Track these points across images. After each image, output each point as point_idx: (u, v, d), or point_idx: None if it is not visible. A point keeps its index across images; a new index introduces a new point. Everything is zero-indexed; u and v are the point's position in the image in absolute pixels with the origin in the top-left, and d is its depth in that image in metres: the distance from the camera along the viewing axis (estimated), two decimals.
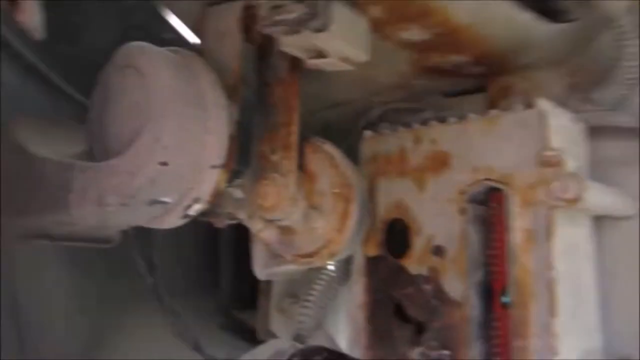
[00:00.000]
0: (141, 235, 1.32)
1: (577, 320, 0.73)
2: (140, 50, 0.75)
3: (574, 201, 0.68)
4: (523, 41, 0.85)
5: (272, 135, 0.91)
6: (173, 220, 0.81)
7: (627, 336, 0.78)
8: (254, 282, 1.66)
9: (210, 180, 0.79)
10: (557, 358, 0.69)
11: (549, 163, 0.71)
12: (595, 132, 0.82)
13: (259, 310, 1.49)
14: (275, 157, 0.90)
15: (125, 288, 1.33)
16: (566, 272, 0.72)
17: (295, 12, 0.72)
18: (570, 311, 0.72)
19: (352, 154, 1.00)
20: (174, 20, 1.24)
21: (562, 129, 0.75)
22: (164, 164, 0.71)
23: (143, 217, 0.80)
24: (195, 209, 0.81)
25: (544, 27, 0.80)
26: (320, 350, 0.95)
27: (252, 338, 1.49)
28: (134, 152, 0.71)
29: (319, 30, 0.72)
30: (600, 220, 0.80)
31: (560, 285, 0.71)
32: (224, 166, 0.80)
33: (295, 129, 0.90)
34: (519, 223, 0.74)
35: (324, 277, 1.14)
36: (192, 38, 1.01)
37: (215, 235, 1.71)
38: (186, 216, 0.81)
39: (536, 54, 0.88)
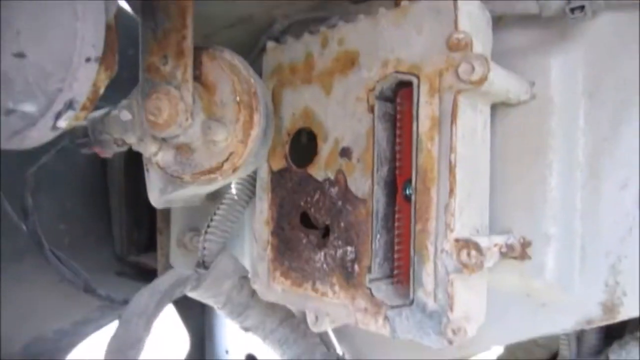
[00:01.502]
0: (9, 179, 1.20)
1: (471, 200, 0.75)
2: None
3: (480, 82, 0.69)
4: None
5: (163, 43, 0.82)
6: (40, 134, 0.67)
7: (510, 213, 0.82)
8: (150, 224, 1.60)
9: (86, 76, 0.65)
10: (453, 235, 0.70)
11: (458, 46, 0.71)
12: (499, 21, 0.83)
13: (159, 250, 1.43)
14: (167, 68, 0.81)
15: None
16: (465, 156, 0.74)
17: None
18: (467, 192, 0.74)
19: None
20: None
21: (470, 15, 0.75)
22: (20, 55, 0.58)
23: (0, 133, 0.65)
24: (69, 116, 0.67)
25: None
26: None
27: (152, 279, 1.44)
28: None
29: None
30: (494, 108, 0.81)
31: (459, 167, 0.72)
32: (102, 61, 0.66)
33: (189, 33, 0.80)
34: (426, 111, 0.74)
35: (226, 201, 1.09)
36: None
37: (103, 185, 1.61)
38: (56, 128, 0.67)
39: None
